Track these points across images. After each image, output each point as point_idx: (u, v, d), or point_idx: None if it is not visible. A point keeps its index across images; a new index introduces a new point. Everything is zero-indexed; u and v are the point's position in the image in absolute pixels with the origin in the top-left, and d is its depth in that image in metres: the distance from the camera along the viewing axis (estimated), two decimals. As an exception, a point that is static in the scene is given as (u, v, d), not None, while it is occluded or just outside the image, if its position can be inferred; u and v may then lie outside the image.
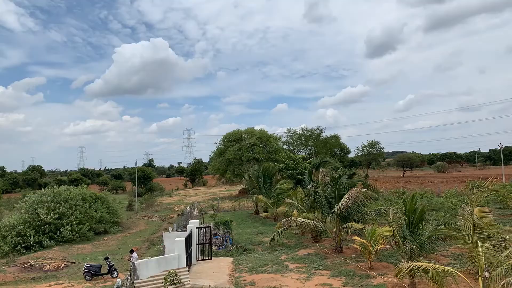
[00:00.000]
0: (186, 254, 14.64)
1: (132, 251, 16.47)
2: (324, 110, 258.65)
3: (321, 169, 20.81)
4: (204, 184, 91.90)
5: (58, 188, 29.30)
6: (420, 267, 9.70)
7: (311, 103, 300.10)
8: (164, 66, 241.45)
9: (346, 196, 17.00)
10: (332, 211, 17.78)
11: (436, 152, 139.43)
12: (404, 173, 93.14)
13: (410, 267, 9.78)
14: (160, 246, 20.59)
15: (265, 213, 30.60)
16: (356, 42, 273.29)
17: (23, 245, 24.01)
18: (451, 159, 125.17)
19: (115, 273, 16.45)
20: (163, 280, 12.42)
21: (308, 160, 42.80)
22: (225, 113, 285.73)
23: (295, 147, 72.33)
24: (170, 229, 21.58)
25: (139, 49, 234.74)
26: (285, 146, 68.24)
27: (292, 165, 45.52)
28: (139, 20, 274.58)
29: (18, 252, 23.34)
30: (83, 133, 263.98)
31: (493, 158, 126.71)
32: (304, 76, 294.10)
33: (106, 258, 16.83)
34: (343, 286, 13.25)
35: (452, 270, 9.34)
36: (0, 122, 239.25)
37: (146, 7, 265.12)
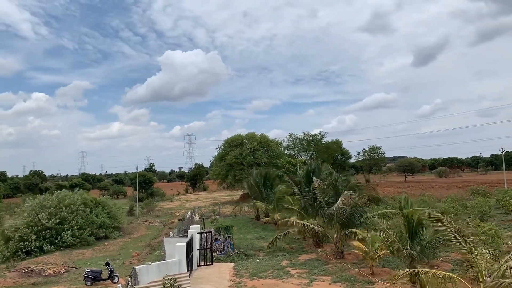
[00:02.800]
0: (187, 259, 14.62)
1: None
2: (344, 116, 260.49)
3: (313, 178, 20.84)
4: (205, 189, 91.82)
5: (59, 192, 29.33)
6: (418, 273, 9.68)
7: (330, 108, 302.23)
8: (208, 76, 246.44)
9: (339, 200, 17.11)
10: (327, 211, 17.84)
11: (437, 157, 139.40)
12: (405, 178, 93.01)
13: (406, 273, 9.77)
14: (161, 251, 20.55)
15: (266, 218, 30.56)
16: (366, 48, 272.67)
17: (24, 250, 24.01)
18: (453, 164, 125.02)
19: (116, 278, 16.40)
20: (163, 286, 12.39)
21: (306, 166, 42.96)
22: (249, 119, 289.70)
23: (296, 152, 72.41)
24: (171, 234, 21.55)
25: (186, 58, 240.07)
26: (286, 151, 68.28)
27: (292, 170, 45.52)
28: (150, 28, 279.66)
29: (19, 257, 23.32)
30: (104, 138, 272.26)
31: (494, 163, 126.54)
32: (319, 81, 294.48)
33: (107, 263, 16.78)
34: (344, 291, 13.21)
35: (454, 276, 9.29)
36: (28, 127, 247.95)
37: (158, 15, 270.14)
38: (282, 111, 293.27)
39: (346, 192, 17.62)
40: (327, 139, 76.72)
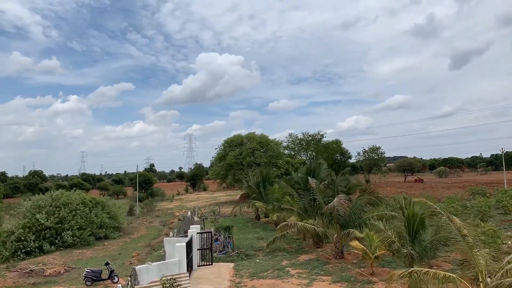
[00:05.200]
0: (187, 259, 14.61)
1: None
2: (357, 116, 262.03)
3: (308, 178, 20.82)
4: (205, 189, 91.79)
5: (54, 192, 29.24)
6: (417, 273, 9.67)
7: (344, 109, 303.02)
8: (236, 79, 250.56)
9: (333, 201, 17.30)
10: (324, 210, 17.88)
11: (437, 157, 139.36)
12: (405, 178, 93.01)
13: (405, 273, 9.76)
14: (161, 251, 20.54)
15: (266, 218, 30.54)
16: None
17: (23, 250, 23.97)
18: (452, 164, 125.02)
19: (116, 278, 16.40)
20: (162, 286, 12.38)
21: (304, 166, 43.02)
22: (266, 120, 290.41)
23: (296, 152, 72.39)
24: (171, 234, 21.53)
25: (219, 61, 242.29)
26: (286, 151, 68.27)
27: (292, 170, 45.54)
28: (158, 30, 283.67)
29: (19, 257, 23.30)
30: (120, 138, 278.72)
31: (494, 163, 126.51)
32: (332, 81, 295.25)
33: (107, 263, 16.79)
34: (344, 292, 13.21)
35: (454, 275, 9.29)
36: (50, 127, 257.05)
37: (167, 18, 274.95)
38: (298, 112, 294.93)
39: (341, 194, 17.69)
40: (327, 138, 76.87)
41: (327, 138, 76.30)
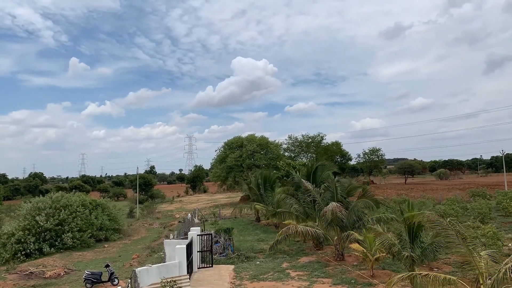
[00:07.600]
0: (187, 261, 14.61)
1: None
2: (369, 119, 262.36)
3: (303, 181, 20.81)
4: (205, 191, 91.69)
5: (55, 194, 29.21)
6: (417, 276, 9.66)
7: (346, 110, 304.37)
8: (261, 83, 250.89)
9: (327, 208, 17.28)
10: (321, 213, 17.85)
11: (437, 159, 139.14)
12: (405, 180, 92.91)
13: (405, 276, 9.75)
14: (161, 253, 20.55)
15: (267, 220, 30.54)
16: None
17: (23, 252, 23.94)
18: (453, 166, 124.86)
19: (116, 280, 16.39)
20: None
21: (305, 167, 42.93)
22: (281, 121, 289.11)
23: (296, 154, 72.35)
24: (171, 236, 21.55)
25: (249, 65, 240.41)
26: (286, 153, 68.28)
27: (292, 172, 45.51)
28: (166, 34, 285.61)
29: (19, 259, 23.26)
30: (134, 140, 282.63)
31: (495, 165, 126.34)
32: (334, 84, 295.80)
33: (107, 266, 16.78)
34: (345, 294, 13.19)
35: (454, 278, 9.28)
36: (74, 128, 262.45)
37: (175, 23, 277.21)
38: (312, 114, 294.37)
39: (332, 202, 17.70)
40: (327, 140, 76.85)
41: (332, 140, 76.60)
